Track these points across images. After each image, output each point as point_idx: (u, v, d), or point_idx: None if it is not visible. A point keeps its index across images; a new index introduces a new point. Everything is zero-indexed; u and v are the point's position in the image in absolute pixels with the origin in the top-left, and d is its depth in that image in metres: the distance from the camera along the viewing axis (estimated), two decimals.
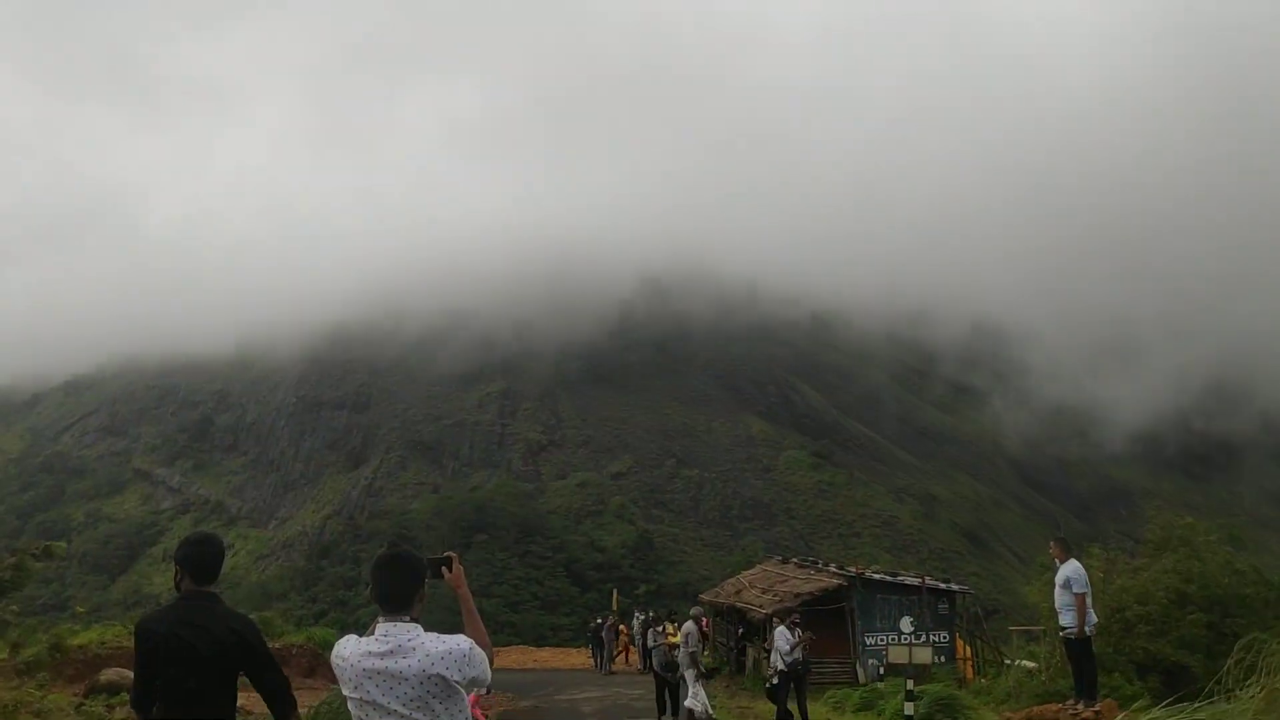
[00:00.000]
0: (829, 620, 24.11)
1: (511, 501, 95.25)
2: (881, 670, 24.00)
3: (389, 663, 3.59)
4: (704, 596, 32.86)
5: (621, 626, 35.31)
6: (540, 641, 62.95)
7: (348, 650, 3.71)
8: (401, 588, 3.72)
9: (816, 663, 24.58)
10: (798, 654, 16.25)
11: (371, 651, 3.64)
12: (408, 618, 3.69)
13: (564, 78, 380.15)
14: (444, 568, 4.01)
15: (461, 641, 3.67)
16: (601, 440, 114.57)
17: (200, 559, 4.53)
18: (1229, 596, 14.75)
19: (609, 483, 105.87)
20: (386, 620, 3.69)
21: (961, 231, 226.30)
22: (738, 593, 28.84)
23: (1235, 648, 9.52)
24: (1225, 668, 9.18)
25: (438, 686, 3.58)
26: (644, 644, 31.64)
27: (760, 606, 24.92)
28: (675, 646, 19.84)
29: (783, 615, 18.64)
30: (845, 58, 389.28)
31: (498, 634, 69.07)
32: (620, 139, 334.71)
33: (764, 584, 27.85)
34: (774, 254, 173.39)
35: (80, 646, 21.06)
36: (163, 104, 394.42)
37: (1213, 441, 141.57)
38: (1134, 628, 14.63)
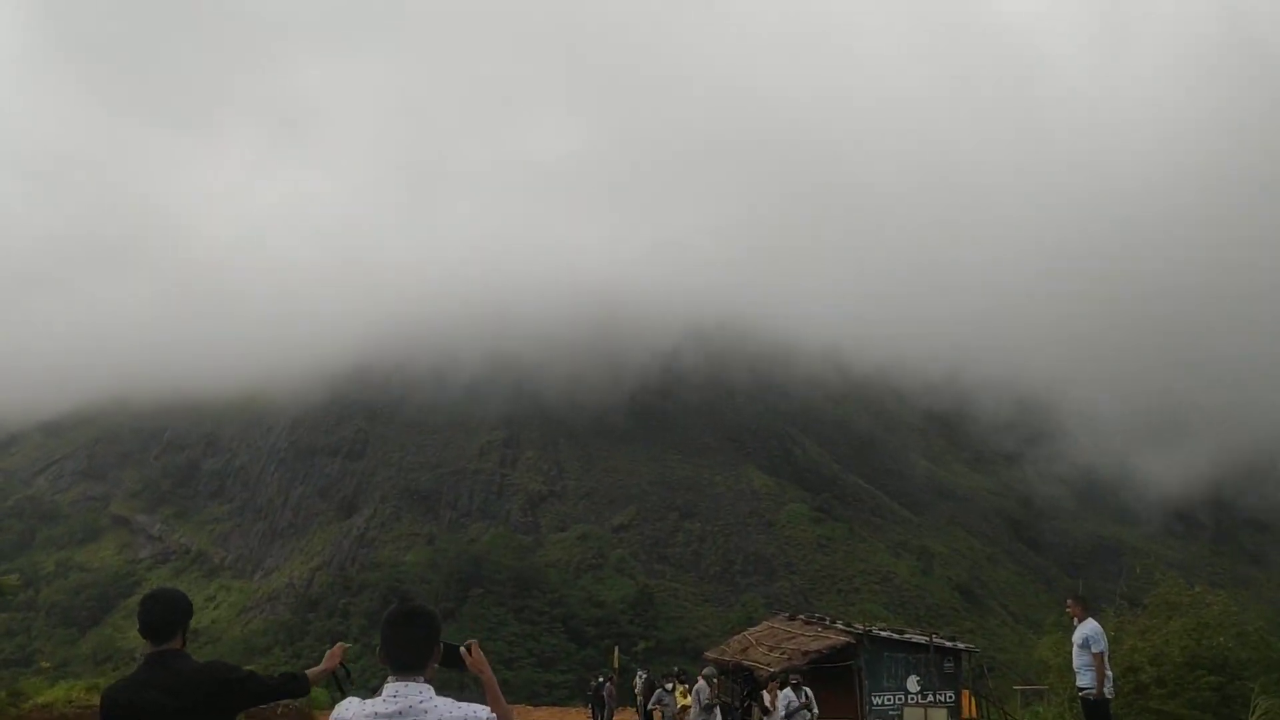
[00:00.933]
0: (835, 679, 24.01)
1: (509, 554, 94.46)
2: None
3: None
4: (709, 654, 32.62)
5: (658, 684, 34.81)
6: (535, 699, 62.09)
7: (350, 713, 3.39)
8: (416, 646, 3.42)
9: None
10: (805, 714, 16.23)
11: (379, 713, 3.30)
12: (421, 679, 3.39)
13: (641, 135, 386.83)
14: (463, 651, 3.72)
15: (480, 710, 3.36)
16: (604, 492, 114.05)
17: (148, 618, 4.33)
18: (1235, 659, 14.92)
19: (610, 536, 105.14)
20: (397, 680, 3.38)
21: (1017, 310, 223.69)
22: (744, 650, 28.65)
23: (1253, 708, 9.77)
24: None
25: None
26: (645, 703, 31.24)
27: (768, 665, 24.80)
28: (687, 708, 19.70)
29: (782, 676, 18.51)
30: (918, 135, 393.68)
31: None
32: (694, 193, 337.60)
33: (771, 641, 27.71)
34: (819, 314, 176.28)
35: (44, 705, 19.65)
36: (228, 130, 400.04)
37: (1240, 516, 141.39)
38: (1147, 689, 14.76)
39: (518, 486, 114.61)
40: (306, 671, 4.58)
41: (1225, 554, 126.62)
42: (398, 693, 3.34)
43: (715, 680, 18.43)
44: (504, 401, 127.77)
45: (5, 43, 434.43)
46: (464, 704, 3.38)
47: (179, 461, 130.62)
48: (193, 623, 4.65)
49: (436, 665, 3.52)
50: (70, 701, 20.20)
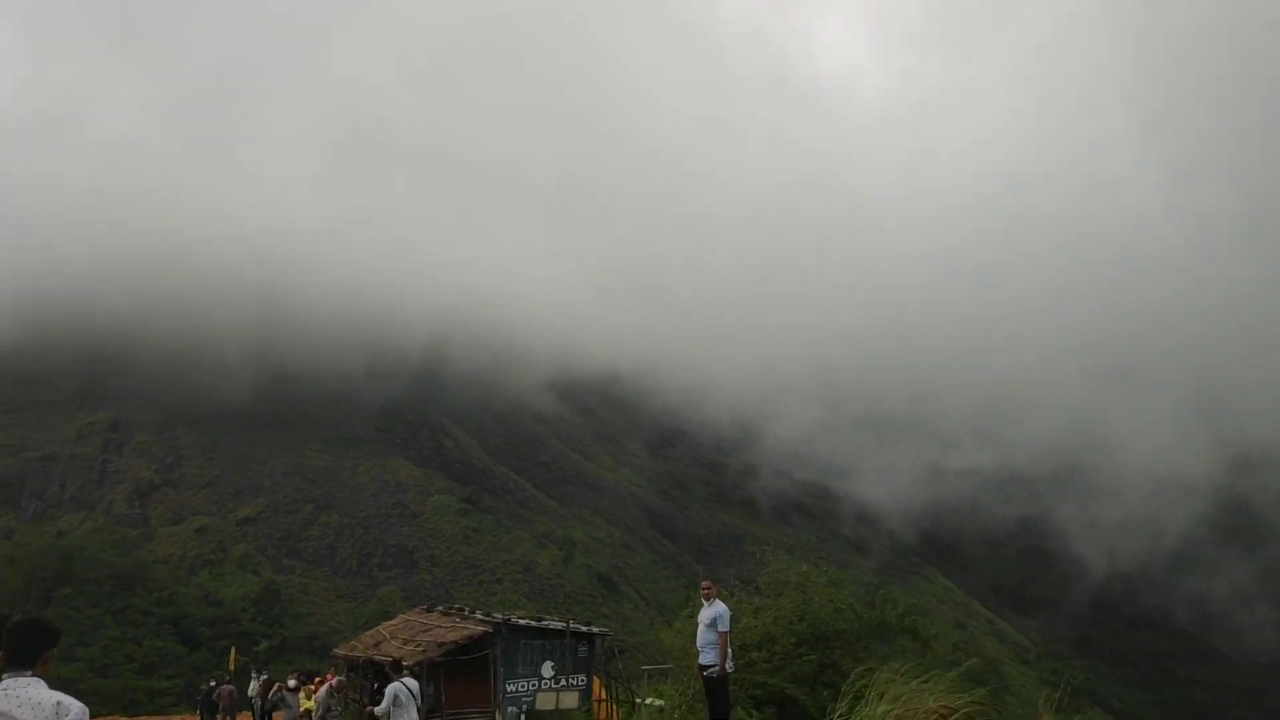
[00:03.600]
0: (473, 668, 23.65)
1: (109, 549, 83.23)
2: (522, 717, 23.93)
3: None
4: (339, 651, 30.74)
5: (278, 683, 31.63)
6: (133, 709, 56.14)
7: None
8: (27, 647, 4.45)
9: (456, 714, 23.90)
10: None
11: None
12: (29, 673, 4.41)
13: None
14: None
15: (67, 699, 4.41)
16: (229, 481, 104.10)
17: None
18: (832, 633, 16.54)
19: (234, 529, 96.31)
20: (10, 675, 4.40)
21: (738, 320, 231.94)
22: (377, 644, 27.33)
23: (850, 679, 10.81)
24: (843, 696, 10.41)
25: None
26: (262, 706, 28.97)
27: (402, 659, 23.79)
28: (310, 712, 18.13)
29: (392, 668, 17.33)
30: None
31: (83, 702, 59.70)
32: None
33: (406, 634, 26.67)
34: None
35: None
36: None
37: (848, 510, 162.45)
38: (755, 664, 15.87)
39: (124, 474, 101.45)
40: None
41: (828, 541, 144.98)
42: (8, 687, 4.36)
43: (344, 688, 17.08)
44: (111, 378, 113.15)
45: None
46: (59, 692, 4.39)
47: None
48: None
49: (46, 665, 4.49)
50: None
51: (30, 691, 4.32)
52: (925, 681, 10.47)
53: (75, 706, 4.38)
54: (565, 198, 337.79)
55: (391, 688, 14.93)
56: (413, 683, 15.42)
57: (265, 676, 30.25)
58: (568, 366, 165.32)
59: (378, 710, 14.98)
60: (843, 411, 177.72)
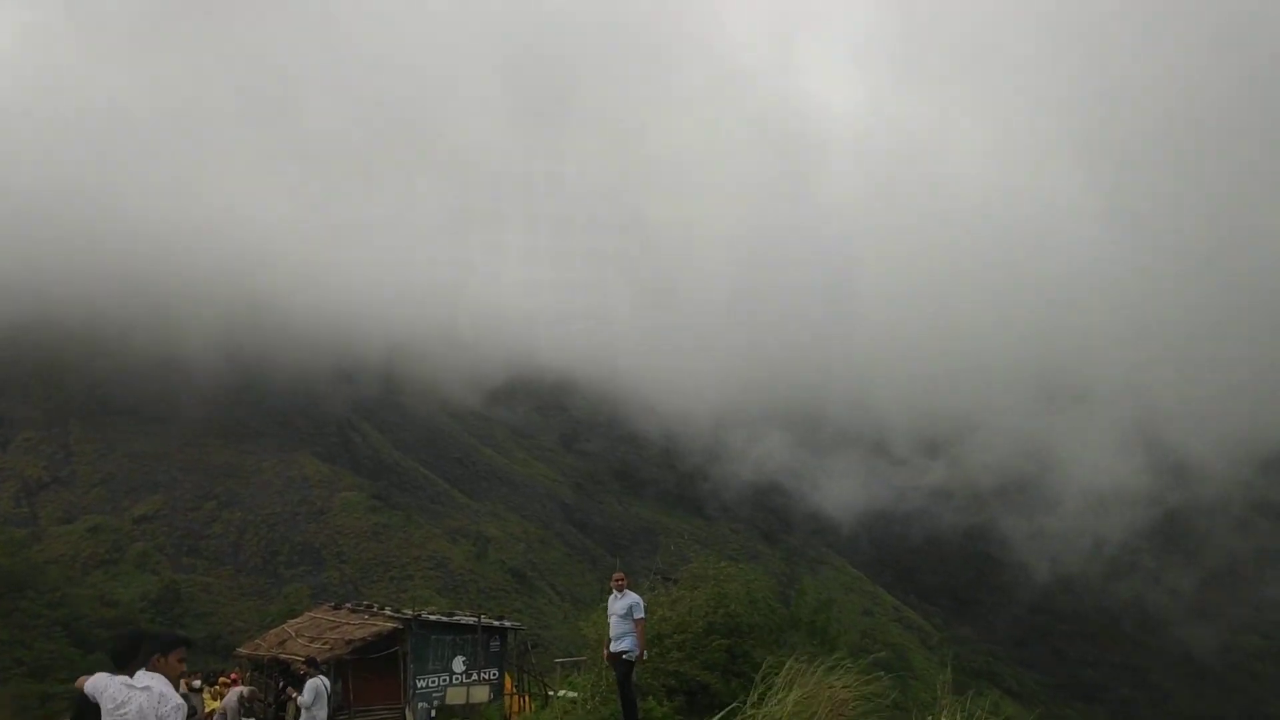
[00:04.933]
0: (383, 665, 23.30)
1: None
2: (433, 713, 23.68)
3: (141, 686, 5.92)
4: (243, 650, 29.86)
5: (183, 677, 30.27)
6: (25, 714, 53.95)
7: (108, 680, 5.93)
8: (149, 651, 5.99)
9: (364, 710, 23.54)
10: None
11: (129, 683, 5.87)
12: (144, 669, 5.91)
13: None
14: None
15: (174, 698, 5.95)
16: (125, 478, 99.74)
17: None
18: (745, 624, 16.83)
19: (131, 527, 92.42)
20: (141, 671, 5.94)
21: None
22: (282, 643, 26.65)
23: (761, 669, 11.04)
24: (755, 686, 10.62)
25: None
26: None
27: (316, 656, 23.29)
28: (213, 713, 17.78)
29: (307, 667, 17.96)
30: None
31: None
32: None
33: (313, 632, 26.08)
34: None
35: None
36: None
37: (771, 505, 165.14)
38: (668, 653, 16.04)
39: (10, 472, 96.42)
40: None
41: (740, 533, 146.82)
42: (139, 677, 5.91)
43: (255, 697, 17.22)
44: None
45: None
46: (165, 687, 5.92)
47: None
48: None
49: (155, 666, 6.04)
50: None
51: (153, 680, 5.87)
52: (832, 669, 10.72)
53: (162, 702, 5.84)
54: (557, 205, 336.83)
55: (312, 682, 15.93)
56: (326, 680, 16.53)
57: None
58: (516, 366, 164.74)
59: (301, 701, 15.91)
60: (795, 423, 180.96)
